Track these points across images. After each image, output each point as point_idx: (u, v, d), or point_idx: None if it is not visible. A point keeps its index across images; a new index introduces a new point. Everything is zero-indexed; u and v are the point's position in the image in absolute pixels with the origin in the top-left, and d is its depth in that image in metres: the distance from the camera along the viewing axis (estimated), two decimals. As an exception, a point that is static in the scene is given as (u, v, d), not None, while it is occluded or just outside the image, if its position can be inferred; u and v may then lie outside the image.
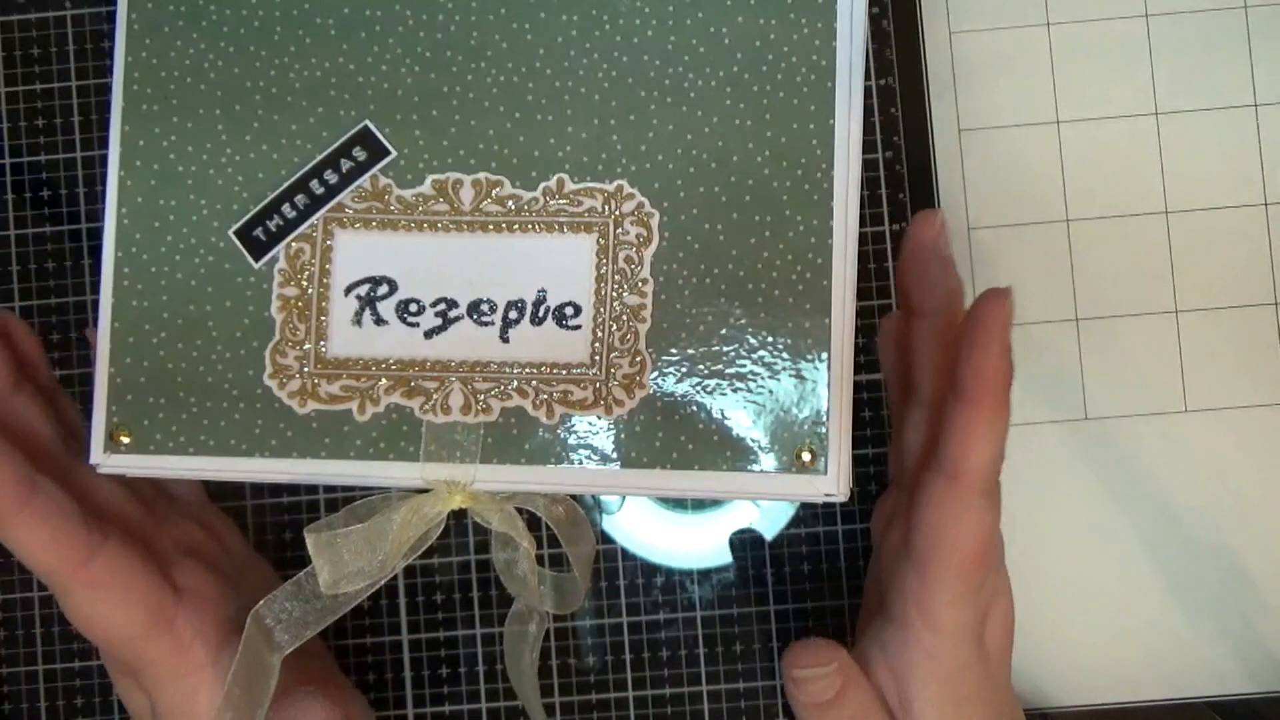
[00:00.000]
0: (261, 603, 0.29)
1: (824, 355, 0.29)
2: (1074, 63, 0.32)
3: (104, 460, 0.30)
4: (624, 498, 0.33)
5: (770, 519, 0.33)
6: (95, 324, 0.30)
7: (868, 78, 0.32)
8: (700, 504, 0.33)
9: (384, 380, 0.30)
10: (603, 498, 0.33)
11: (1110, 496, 0.32)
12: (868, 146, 0.32)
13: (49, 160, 0.33)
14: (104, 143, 0.30)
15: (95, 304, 0.30)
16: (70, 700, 0.33)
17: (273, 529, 0.34)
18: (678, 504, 0.33)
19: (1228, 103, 0.33)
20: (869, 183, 0.32)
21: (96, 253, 0.32)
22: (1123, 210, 0.32)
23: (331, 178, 0.30)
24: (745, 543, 0.33)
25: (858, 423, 0.33)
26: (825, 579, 0.33)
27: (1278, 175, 0.32)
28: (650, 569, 0.33)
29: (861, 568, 0.33)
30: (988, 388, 0.25)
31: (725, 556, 0.33)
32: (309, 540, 0.28)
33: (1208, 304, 0.32)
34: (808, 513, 0.33)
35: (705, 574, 0.33)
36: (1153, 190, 0.32)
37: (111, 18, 0.33)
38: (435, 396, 0.30)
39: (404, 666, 0.34)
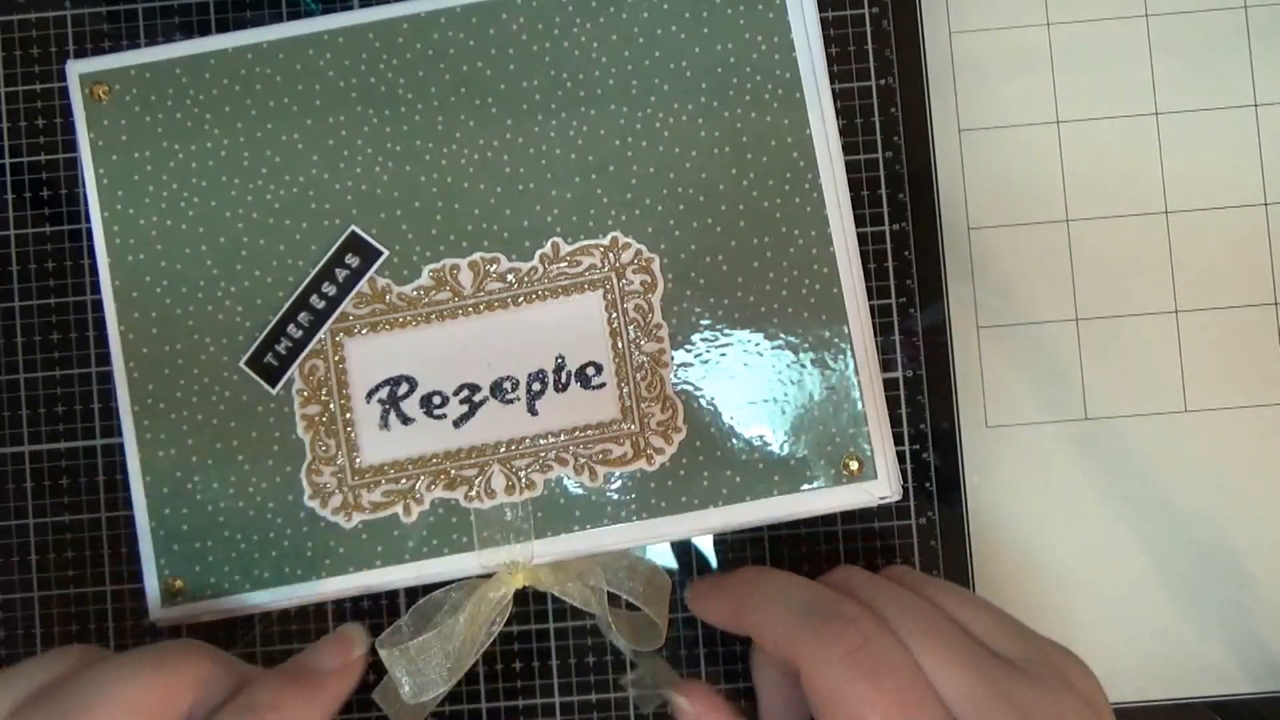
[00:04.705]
0: None
1: (849, 361, 0.29)
2: (1074, 63, 0.32)
3: (162, 614, 0.30)
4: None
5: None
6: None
7: (867, 78, 0.32)
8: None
9: (423, 477, 0.30)
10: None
11: (1110, 497, 0.32)
12: (868, 146, 0.32)
13: (49, 160, 0.33)
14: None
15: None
16: (70, 700, 0.33)
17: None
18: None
19: (1228, 103, 0.33)
20: (869, 183, 0.32)
21: (110, 396, 0.32)
22: (1123, 210, 0.32)
23: (330, 289, 0.30)
24: (745, 542, 0.33)
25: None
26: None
27: (1278, 175, 0.32)
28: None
29: (863, 567, 0.32)
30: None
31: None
32: (383, 655, 0.28)
33: (1208, 304, 0.32)
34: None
35: (705, 574, 0.33)
36: (1153, 190, 0.32)
37: (112, 18, 0.33)
38: (477, 483, 0.29)
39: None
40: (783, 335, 0.30)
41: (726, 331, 0.30)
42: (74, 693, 0.26)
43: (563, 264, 0.30)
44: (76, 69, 0.30)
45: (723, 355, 0.30)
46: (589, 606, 0.29)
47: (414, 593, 0.32)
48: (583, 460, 0.30)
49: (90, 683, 0.26)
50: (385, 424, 0.30)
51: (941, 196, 0.32)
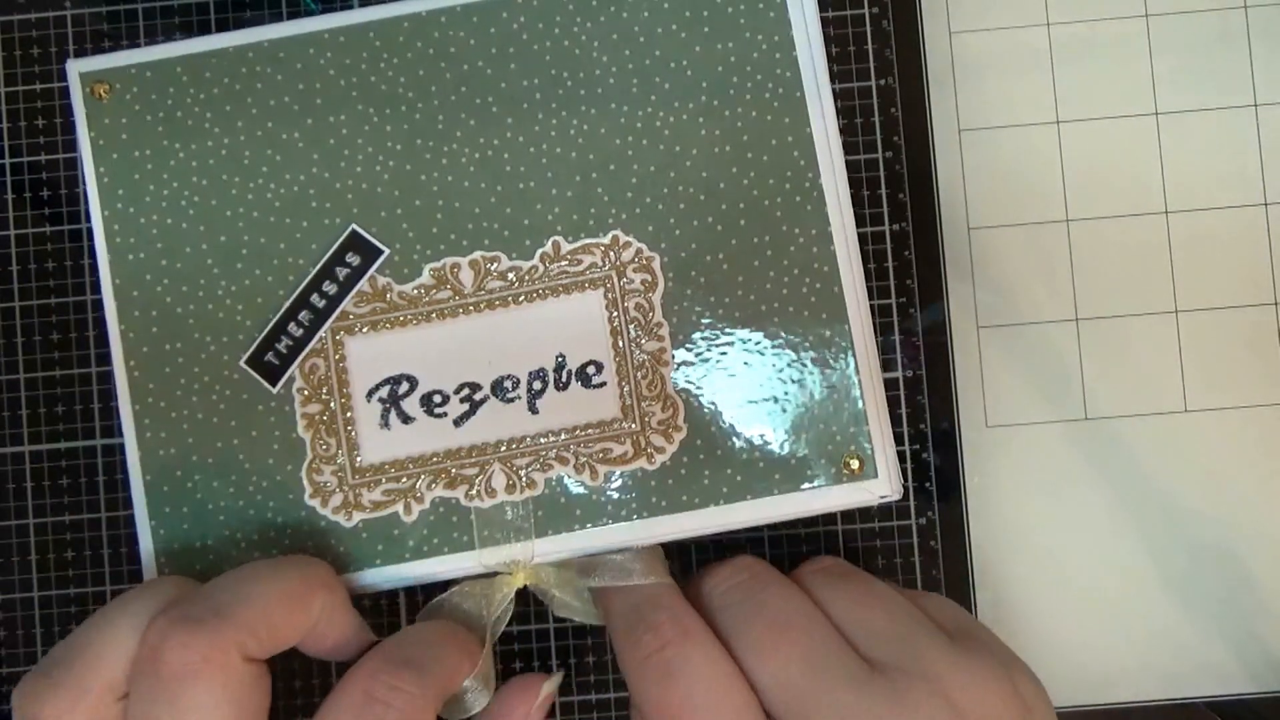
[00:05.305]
0: None
1: (850, 360, 0.30)
2: (1074, 63, 0.32)
3: (163, 613, 0.30)
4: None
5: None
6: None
7: (867, 78, 0.32)
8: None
9: (423, 476, 0.30)
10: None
11: (1110, 497, 0.32)
12: (868, 146, 0.32)
13: (49, 160, 0.33)
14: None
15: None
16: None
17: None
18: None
19: (1228, 103, 0.33)
20: (869, 183, 0.32)
21: (110, 396, 0.32)
22: (1123, 210, 0.33)
23: (330, 288, 0.30)
24: (745, 542, 0.33)
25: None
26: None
27: (1278, 175, 0.32)
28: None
29: (863, 567, 0.32)
30: None
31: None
32: None
33: (1208, 304, 0.32)
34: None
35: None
36: (1153, 190, 0.32)
37: (112, 17, 0.33)
38: (478, 482, 0.29)
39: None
40: (783, 334, 0.30)
41: (727, 330, 0.30)
42: (222, 590, 0.26)
43: (563, 263, 0.30)
44: (77, 68, 0.30)
45: (723, 354, 0.30)
46: (589, 619, 0.29)
47: (414, 592, 0.32)
48: (583, 459, 0.29)
49: (236, 580, 0.26)
50: (386, 423, 0.30)
51: (941, 196, 0.32)
